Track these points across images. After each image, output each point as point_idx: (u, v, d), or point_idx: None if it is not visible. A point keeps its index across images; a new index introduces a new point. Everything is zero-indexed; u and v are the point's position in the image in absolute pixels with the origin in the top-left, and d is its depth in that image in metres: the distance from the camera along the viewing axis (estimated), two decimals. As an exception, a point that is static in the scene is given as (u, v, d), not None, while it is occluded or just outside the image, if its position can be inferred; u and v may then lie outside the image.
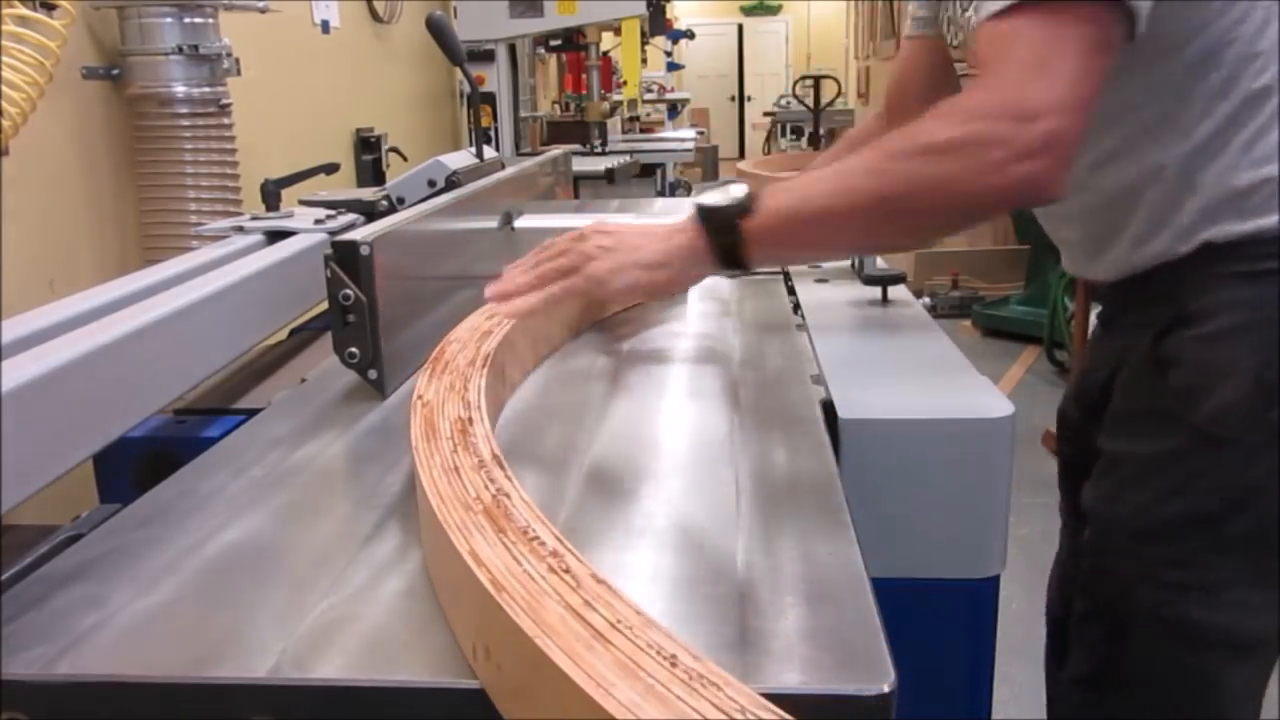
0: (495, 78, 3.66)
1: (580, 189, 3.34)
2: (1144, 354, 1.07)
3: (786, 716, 0.42)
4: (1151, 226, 1.05)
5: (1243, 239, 1.00)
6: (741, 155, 14.02)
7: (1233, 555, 1.02)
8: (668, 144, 4.53)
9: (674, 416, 0.98)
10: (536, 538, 0.56)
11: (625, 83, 3.75)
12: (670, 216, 1.03)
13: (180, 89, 1.98)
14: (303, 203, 1.59)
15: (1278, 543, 1.01)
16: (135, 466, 0.95)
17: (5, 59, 1.54)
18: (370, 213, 1.50)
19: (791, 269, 1.55)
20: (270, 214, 1.45)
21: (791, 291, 1.45)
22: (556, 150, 2.35)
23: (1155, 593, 1.05)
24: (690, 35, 6.85)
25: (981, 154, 0.80)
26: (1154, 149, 1.03)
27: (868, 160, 0.87)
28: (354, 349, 1.00)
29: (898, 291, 1.37)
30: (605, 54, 4.26)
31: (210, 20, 2.02)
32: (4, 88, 1.53)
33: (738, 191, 0.92)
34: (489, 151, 1.73)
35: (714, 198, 0.94)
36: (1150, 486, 1.06)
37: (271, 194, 1.48)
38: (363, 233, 1.00)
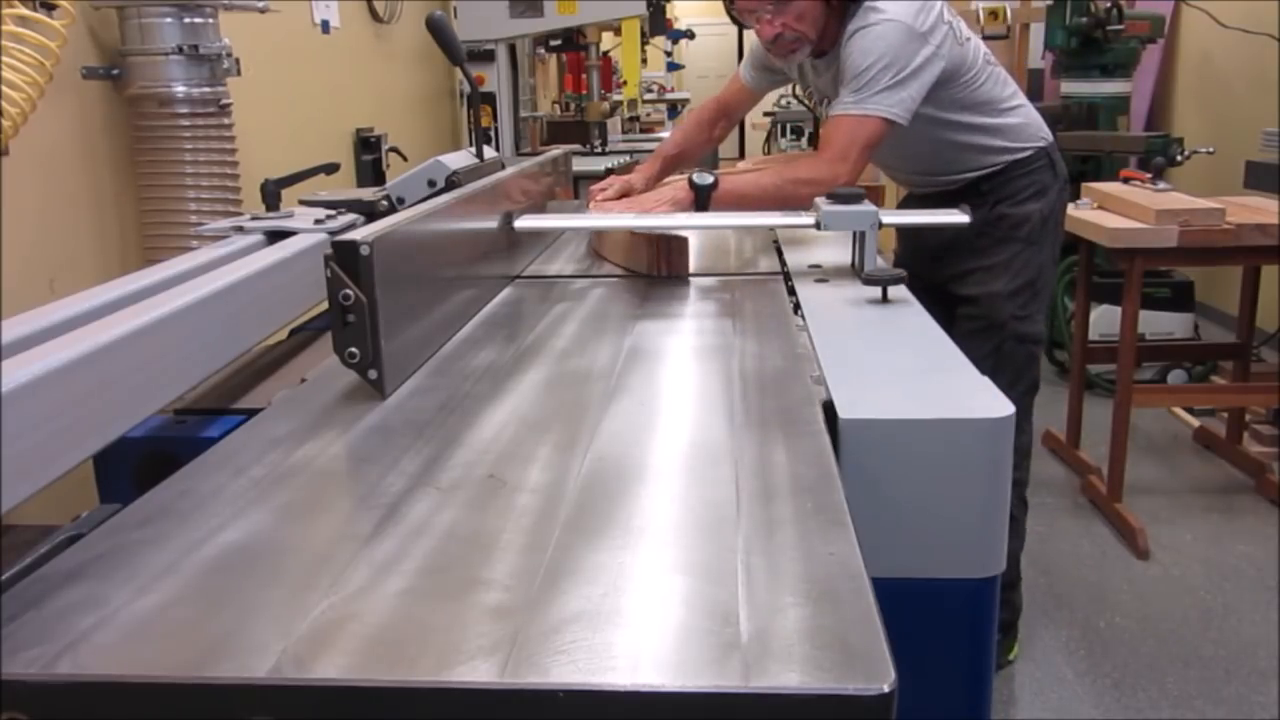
0: (495, 78, 3.66)
1: (580, 189, 3.34)
2: None
3: None
4: None
5: None
6: (742, 155, 13.95)
7: None
8: (668, 144, 4.51)
9: (674, 416, 0.98)
10: None
11: (625, 83, 3.75)
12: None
13: (180, 89, 1.98)
14: (303, 203, 1.58)
15: None
16: (135, 466, 0.95)
17: (5, 59, 1.54)
18: (370, 213, 1.50)
19: (792, 270, 1.57)
20: (270, 214, 1.45)
21: (791, 292, 1.45)
22: (556, 150, 2.35)
23: None
24: (690, 35, 6.82)
25: (814, 187, 1.67)
26: None
27: (774, 178, 1.83)
28: (354, 349, 1.00)
29: (898, 291, 1.37)
30: (605, 54, 4.25)
31: (210, 20, 2.02)
32: (4, 88, 1.53)
33: (707, 177, 1.81)
34: (489, 151, 1.73)
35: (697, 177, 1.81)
36: None
37: (271, 194, 1.48)
38: (363, 233, 1.00)
